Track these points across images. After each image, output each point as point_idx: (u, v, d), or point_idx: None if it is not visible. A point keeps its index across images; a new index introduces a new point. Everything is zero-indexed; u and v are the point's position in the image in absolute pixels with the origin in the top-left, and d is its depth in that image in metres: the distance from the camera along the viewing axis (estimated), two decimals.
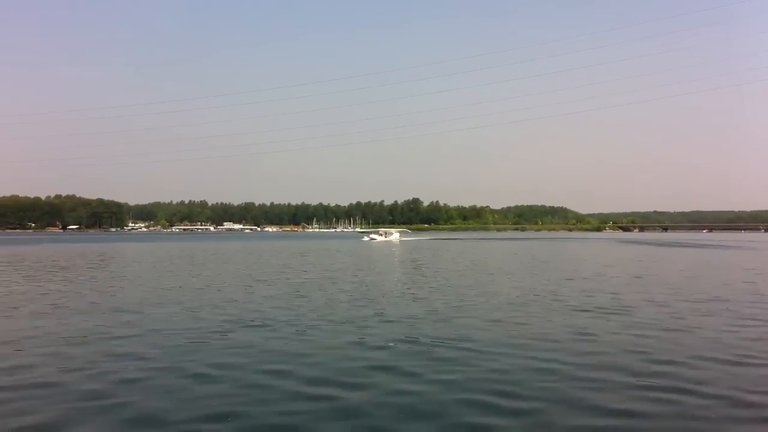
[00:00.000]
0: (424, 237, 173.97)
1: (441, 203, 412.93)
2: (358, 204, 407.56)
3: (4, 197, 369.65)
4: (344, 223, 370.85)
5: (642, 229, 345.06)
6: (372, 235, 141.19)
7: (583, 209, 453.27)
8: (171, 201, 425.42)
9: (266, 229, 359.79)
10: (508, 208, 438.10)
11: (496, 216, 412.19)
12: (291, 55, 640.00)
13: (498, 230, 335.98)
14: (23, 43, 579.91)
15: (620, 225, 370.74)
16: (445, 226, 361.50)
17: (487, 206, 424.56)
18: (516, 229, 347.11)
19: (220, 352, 13.07)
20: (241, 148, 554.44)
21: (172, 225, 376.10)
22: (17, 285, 28.45)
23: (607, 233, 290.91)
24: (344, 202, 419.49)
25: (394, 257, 57.00)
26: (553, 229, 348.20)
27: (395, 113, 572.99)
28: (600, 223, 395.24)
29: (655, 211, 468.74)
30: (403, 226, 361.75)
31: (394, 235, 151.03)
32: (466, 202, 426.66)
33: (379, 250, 74.48)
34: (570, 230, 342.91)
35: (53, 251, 71.01)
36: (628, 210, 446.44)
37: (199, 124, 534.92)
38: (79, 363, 12.09)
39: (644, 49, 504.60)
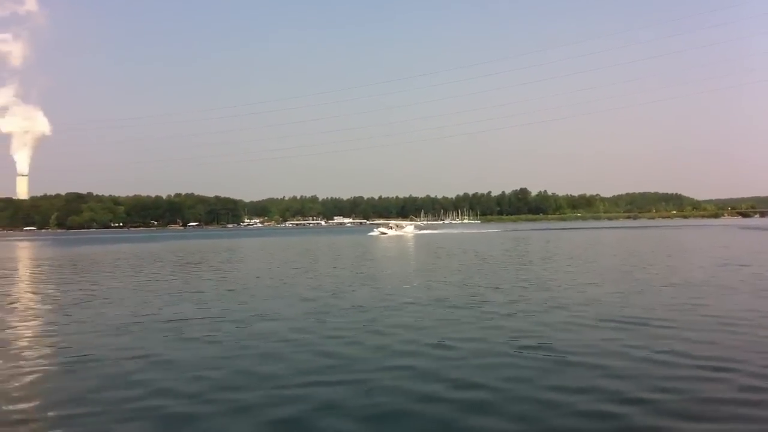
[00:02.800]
0: (448, 231, 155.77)
1: (549, 192, 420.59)
2: (465, 195, 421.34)
3: (128, 197, 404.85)
4: (452, 215, 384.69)
5: (763, 214, 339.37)
6: (381, 229, 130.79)
7: (698, 195, 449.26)
8: (283, 197, 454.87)
9: (376, 222, 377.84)
10: (619, 196, 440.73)
11: (606, 204, 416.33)
12: (395, 50, 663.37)
13: (609, 219, 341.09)
14: (134, 44, 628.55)
15: (739, 211, 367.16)
16: (553, 216, 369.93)
17: (597, 194, 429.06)
18: (628, 218, 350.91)
19: None
20: (350, 142, 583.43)
21: (285, 220, 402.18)
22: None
23: (726, 219, 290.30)
24: (452, 194, 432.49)
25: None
26: (668, 217, 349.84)
27: (503, 103, 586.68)
28: (717, 209, 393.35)
29: None
30: (512, 216, 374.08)
31: (408, 228, 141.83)
32: (576, 191, 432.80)
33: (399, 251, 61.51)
34: (685, 217, 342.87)
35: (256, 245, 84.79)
36: (747, 195, 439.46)
37: (309, 120, 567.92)
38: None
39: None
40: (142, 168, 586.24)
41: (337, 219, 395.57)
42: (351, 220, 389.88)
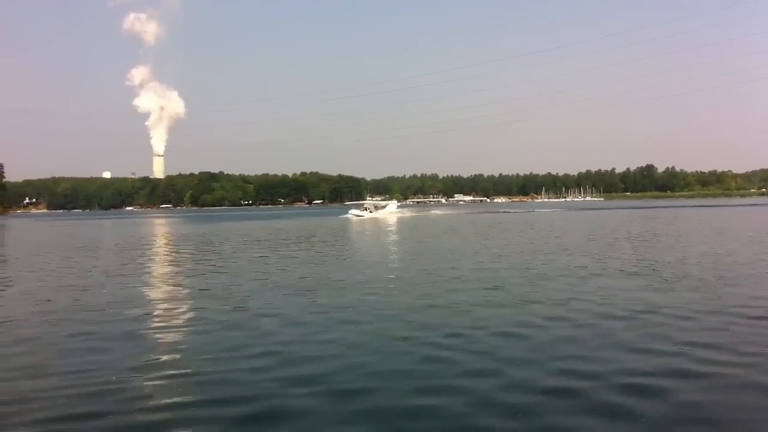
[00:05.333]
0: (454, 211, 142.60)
1: (677, 169, 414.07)
2: (588, 172, 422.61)
3: (256, 176, 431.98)
4: (574, 193, 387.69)
5: None
6: (354, 211, 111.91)
7: None
8: (404, 175, 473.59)
9: (495, 200, 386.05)
10: (753, 172, 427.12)
11: (739, 181, 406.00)
12: (516, 27, 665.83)
13: (741, 196, 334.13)
14: (260, 27, 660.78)
15: None
16: (681, 194, 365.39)
17: (729, 170, 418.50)
18: (762, 195, 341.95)
19: None
20: (470, 120, 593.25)
21: (406, 198, 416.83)
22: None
23: None
24: (574, 171, 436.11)
25: None
26: None
27: (626, 77, 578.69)
28: None
29: None
30: (637, 194, 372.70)
31: (389, 207, 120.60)
32: (706, 167, 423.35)
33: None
34: None
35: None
36: None
37: (429, 98, 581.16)
38: None
39: None
40: (269, 147, 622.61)
41: (458, 197, 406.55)
42: (471, 198, 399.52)
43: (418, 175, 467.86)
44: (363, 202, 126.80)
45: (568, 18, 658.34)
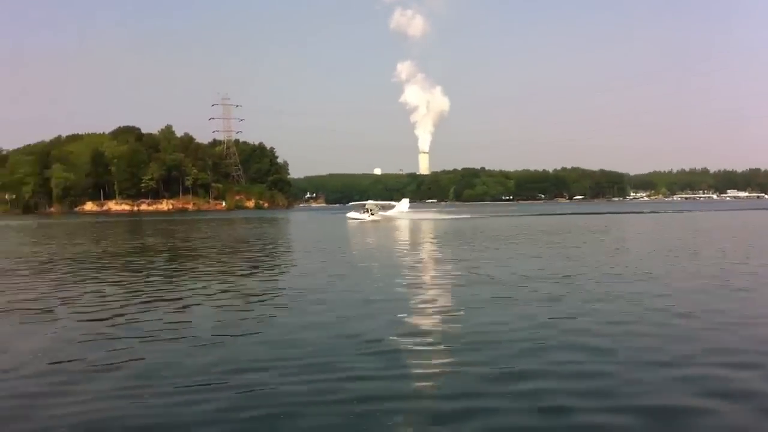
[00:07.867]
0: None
1: None
2: None
3: (516, 171, 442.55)
4: None
5: None
6: (352, 214, 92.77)
7: None
8: (671, 170, 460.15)
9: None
10: None
11: None
12: None
13: None
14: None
15: None
16: None
17: None
18: None
19: None
20: (742, 111, 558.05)
21: (672, 194, 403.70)
22: None
23: None
24: None
25: None
26: None
27: None
28: None
29: None
30: None
31: (398, 207, 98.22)
32: None
33: None
34: None
35: None
36: None
37: (699, 89, 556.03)
38: None
39: None
40: (530, 143, 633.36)
41: (731, 192, 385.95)
42: (746, 194, 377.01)
43: (686, 170, 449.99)
44: (364, 202, 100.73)
45: None
